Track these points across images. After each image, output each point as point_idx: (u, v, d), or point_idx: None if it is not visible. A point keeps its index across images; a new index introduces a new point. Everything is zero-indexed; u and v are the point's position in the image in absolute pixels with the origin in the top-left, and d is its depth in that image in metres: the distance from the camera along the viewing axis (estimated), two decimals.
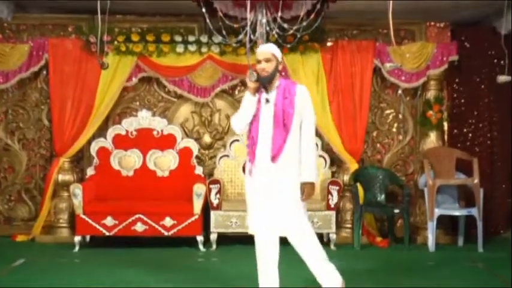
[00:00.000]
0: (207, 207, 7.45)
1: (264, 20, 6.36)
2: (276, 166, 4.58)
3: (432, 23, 8.17)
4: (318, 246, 4.66)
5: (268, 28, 6.40)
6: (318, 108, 7.85)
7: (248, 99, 4.68)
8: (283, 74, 7.89)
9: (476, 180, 7.42)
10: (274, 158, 4.56)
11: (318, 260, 4.64)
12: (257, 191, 4.63)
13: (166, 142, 7.99)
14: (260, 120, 4.64)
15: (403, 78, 8.08)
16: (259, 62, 4.66)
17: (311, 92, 7.80)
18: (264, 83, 4.66)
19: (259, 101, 4.70)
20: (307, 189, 4.61)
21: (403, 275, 6.15)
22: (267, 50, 4.69)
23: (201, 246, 7.34)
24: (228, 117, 8.30)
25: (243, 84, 8.27)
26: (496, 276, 6.13)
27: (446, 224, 7.95)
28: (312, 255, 4.63)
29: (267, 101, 4.64)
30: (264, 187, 4.61)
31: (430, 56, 7.96)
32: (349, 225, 8.02)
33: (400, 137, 8.43)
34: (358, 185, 7.79)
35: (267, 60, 4.63)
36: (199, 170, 7.98)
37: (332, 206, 7.46)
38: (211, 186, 7.40)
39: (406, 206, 7.63)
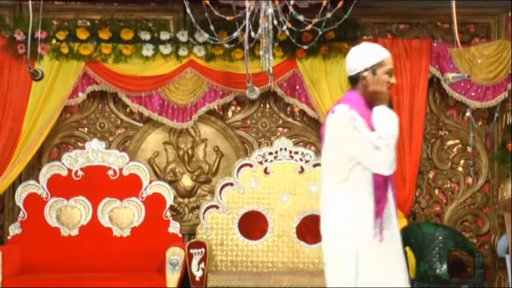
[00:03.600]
0: (186, 282, 7.44)
1: (270, 10, 6.34)
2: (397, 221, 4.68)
3: None
4: None
5: (276, 22, 6.38)
6: None
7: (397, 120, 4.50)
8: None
9: None
10: (396, 210, 4.67)
11: None
12: (390, 257, 4.57)
13: (127, 187, 8.03)
14: None
15: (472, 93, 8.08)
16: (389, 73, 4.55)
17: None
18: (391, 106, 4.56)
19: None
20: None
21: None
22: None
23: None
24: (217, 150, 8.32)
25: (239, 102, 8.29)
26: None
27: None
28: None
29: None
30: (396, 250, 4.62)
31: None
32: None
33: (469, 180, 8.43)
34: (408, 250, 7.69)
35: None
36: (175, 228, 7.98)
37: None
38: (192, 251, 7.41)
39: (479, 282, 7.55)
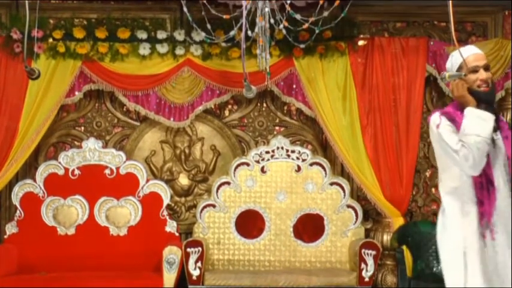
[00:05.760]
0: (183, 281, 7.45)
1: (267, 9, 6.26)
2: None
3: None
4: None
5: (273, 20, 6.30)
6: (346, 136, 7.91)
7: (489, 118, 4.44)
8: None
9: None
10: None
11: None
12: (500, 258, 4.55)
13: (123, 186, 8.05)
14: (492, 158, 4.53)
15: None
16: (475, 70, 4.52)
17: (336, 111, 7.84)
18: (489, 102, 4.49)
19: None
20: None
21: None
22: (482, 52, 4.61)
23: None
24: (214, 149, 8.33)
25: (236, 101, 8.31)
26: None
27: None
28: None
29: (495, 130, 4.52)
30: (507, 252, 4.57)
31: (510, 59, 7.95)
32: None
33: None
34: (405, 248, 7.73)
35: (487, 68, 4.55)
36: (171, 227, 8.01)
37: (366, 279, 7.46)
38: (189, 249, 7.42)
39: None
